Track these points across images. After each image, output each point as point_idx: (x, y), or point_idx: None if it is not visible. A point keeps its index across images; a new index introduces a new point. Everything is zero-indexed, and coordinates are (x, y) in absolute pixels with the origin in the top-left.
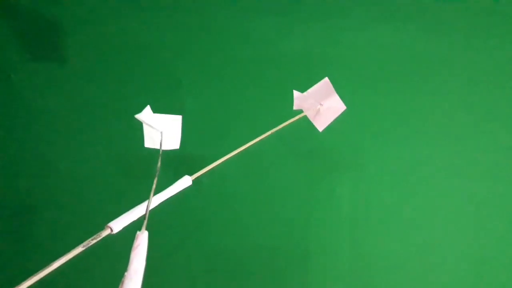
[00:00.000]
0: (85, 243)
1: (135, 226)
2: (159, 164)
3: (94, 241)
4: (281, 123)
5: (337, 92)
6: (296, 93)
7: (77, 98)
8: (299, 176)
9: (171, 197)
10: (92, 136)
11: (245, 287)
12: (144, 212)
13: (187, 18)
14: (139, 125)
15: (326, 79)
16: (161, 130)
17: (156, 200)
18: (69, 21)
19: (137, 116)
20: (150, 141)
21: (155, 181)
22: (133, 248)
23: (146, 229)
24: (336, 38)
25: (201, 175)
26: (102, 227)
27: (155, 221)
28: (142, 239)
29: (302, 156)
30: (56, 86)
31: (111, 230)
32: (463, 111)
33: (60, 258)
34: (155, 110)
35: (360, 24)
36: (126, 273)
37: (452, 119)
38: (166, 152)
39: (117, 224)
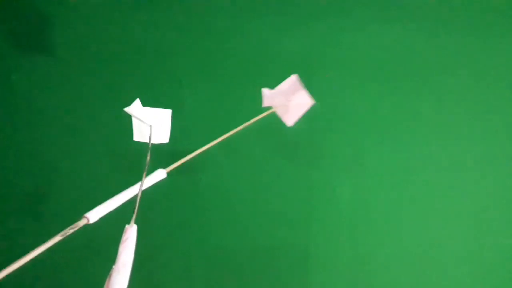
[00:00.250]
0: (62, 232)
1: (124, 220)
2: (148, 158)
3: (72, 230)
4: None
5: (337, 92)
6: (265, 91)
7: (78, 97)
8: (299, 175)
9: (146, 189)
10: (93, 134)
11: (244, 287)
12: (120, 203)
13: (187, 17)
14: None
15: (294, 76)
16: (151, 124)
17: (130, 193)
18: (70, 21)
19: (127, 109)
20: (139, 134)
21: (144, 175)
22: (121, 242)
23: (136, 223)
24: (336, 38)
25: (175, 168)
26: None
27: (150, 218)
28: (130, 233)
29: (302, 156)
30: (56, 86)
31: (88, 220)
32: (463, 111)
33: (39, 247)
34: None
35: (360, 24)
36: (114, 266)
37: (453, 119)
38: (161, 147)
39: (94, 214)
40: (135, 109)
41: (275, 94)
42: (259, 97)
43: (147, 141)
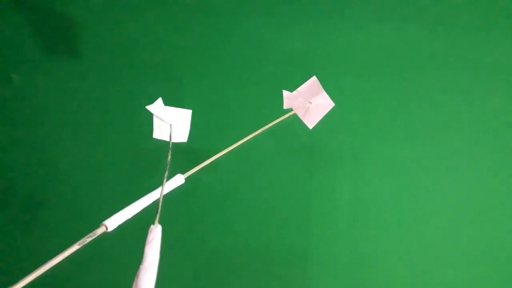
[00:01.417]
0: (80, 241)
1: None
2: (169, 157)
3: (90, 239)
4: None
5: (337, 91)
6: (285, 93)
7: (78, 97)
8: (298, 175)
9: (165, 195)
10: (93, 134)
11: (243, 287)
12: (139, 209)
13: (187, 18)
14: (139, 123)
15: (314, 77)
16: (171, 123)
17: (149, 198)
18: (70, 21)
19: (148, 107)
20: (159, 132)
21: (166, 174)
22: (147, 242)
23: (137, 225)
24: (335, 38)
25: (195, 173)
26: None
27: (150, 217)
28: (156, 233)
29: (301, 155)
30: (56, 86)
31: (106, 228)
32: (463, 110)
33: (56, 257)
34: None
35: (359, 24)
36: (141, 266)
37: (452, 117)
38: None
39: (112, 222)
40: (156, 107)
41: (295, 96)
42: (258, 96)
43: (166, 139)
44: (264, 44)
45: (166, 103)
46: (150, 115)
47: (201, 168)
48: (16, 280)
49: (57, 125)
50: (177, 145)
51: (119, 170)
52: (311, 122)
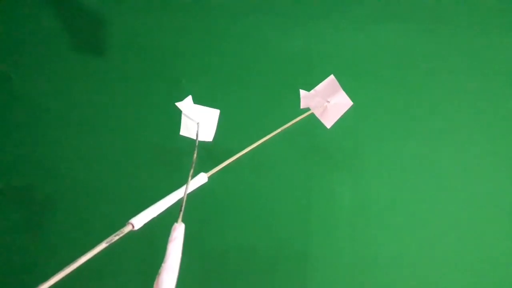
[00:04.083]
0: (108, 239)
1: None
2: (195, 156)
3: (117, 237)
4: (282, 123)
5: None
6: (303, 92)
7: (77, 98)
8: (299, 175)
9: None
10: (92, 135)
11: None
12: (165, 208)
13: (187, 18)
14: (138, 122)
15: (332, 76)
16: (198, 121)
17: (174, 197)
18: (69, 21)
19: (178, 104)
20: (186, 130)
21: (191, 173)
22: (170, 240)
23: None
24: (336, 38)
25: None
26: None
27: (154, 219)
28: (180, 232)
29: (301, 156)
30: (56, 86)
31: (133, 227)
32: (463, 110)
33: (85, 255)
34: (155, 110)
35: (360, 24)
36: (163, 265)
37: (452, 118)
38: (181, 147)
39: (139, 221)
40: (185, 105)
41: (312, 95)
42: (259, 97)
43: (192, 137)
44: (264, 44)
45: (166, 102)
46: (152, 115)
47: (224, 167)
48: (37, 280)
49: (76, 124)
50: (182, 145)
51: (139, 170)
52: (329, 121)
